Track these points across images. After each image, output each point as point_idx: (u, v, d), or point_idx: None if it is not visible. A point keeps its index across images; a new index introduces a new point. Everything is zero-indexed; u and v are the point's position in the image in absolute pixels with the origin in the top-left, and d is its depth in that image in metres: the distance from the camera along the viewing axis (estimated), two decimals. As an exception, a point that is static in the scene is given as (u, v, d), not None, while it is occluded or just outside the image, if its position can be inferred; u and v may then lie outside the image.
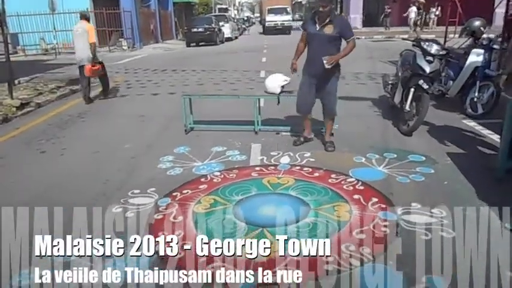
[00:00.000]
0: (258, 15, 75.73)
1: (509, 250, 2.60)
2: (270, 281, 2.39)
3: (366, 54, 13.19)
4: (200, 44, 21.57)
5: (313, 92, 4.52)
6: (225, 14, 30.61)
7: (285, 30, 28.42)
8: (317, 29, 4.27)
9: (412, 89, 4.99)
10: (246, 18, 47.21)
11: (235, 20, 33.74)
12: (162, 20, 26.26)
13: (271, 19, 29.21)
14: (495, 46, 5.60)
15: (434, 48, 5.01)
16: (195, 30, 21.36)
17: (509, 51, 3.90)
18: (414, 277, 2.38)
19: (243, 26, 36.58)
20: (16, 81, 9.01)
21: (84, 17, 7.87)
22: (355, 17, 27.72)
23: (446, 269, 2.43)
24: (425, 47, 5.03)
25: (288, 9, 30.44)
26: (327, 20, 4.22)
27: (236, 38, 27.39)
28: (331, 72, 4.33)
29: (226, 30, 24.34)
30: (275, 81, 5.14)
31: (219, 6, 43.65)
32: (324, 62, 4.15)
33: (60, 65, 13.86)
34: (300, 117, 4.92)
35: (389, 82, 6.19)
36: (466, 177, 3.75)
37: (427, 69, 4.93)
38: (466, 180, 3.68)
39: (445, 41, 9.74)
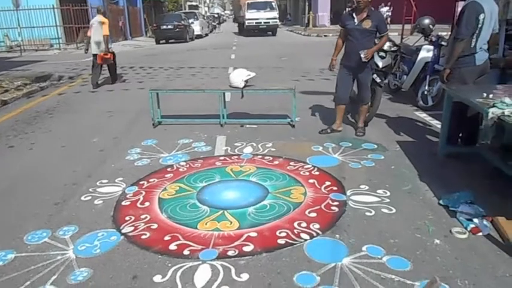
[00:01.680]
0: (229, 12, 73.86)
1: (440, 222, 2.97)
2: (230, 253, 2.64)
3: (329, 51, 13.61)
4: (170, 41, 21.55)
5: (351, 84, 4.94)
6: (195, 11, 30.32)
7: (270, 30, 24.48)
8: (355, 23, 4.58)
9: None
10: (216, 15, 44.46)
11: (205, 17, 33.45)
12: (131, 17, 26.01)
13: (253, 16, 24.06)
14: (443, 43, 6.02)
15: (386, 45, 5.37)
16: (164, 27, 21.31)
17: (449, 48, 4.28)
18: (356, 247, 2.69)
19: (213, 23, 34.16)
20: (-20, 79, 8.89)
21: (100, 11, 9.07)
22: (323, 15, 28.35)
23: (385, 240, 2.76)
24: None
25: (274, 3, 25.23)
26: (365, 15, 4.55)
27: (206, 35, 27.42)
28: (367, 65, 4.69)
29: (196, 27, 24.39)
30: (239, 76, 5.39)
31: (189, 3, 43.54)
32: (362, 55, 4.45)
33: (26, 62, 13.63)
34: (263, 108, 5.19)
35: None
36: (411, 161, 4.11)
37: (380, 64, 5.30)
38: (411, 165, 4.04)
39: (401, 39, 10.26)
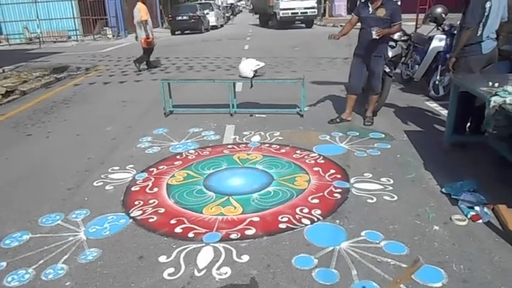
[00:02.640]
0: (245, 2, 71.27)
1: (441, 210, 3.00)
2: (232, 236, 2.74)
3: (345, 42, 13.49)
4: (185, 32, 21.66)
5: (363, 73, 4.96)
6: (210, 1, 30.20)
7: (306, 22, 21.53)
8: (370, 12, 4.63)
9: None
10: (229, 5, 41.40)
11: (221, 8, 33.28)
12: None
13: (288, 6, 20.60)
14: (456, 32, 5.95)
15: (396, 34, 5.36)
16: (179, 18, 21.42)
17: (456, 36, 4.25)
18: (355, 232, 2.75)
19: (227, 14, 32.22)
20: (0, 70, 9.17)
21: None
22: (340, 5, 27.98)
23: (384, 226, 2.81)
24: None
25: None
26: (379, 4, 4.59)
27: (222, 26, 27.41)
28: (380, 54, 4.74)
29: (211, 18, 24.40)
30: (248, 66, 5.45)
31: (204, -7, 43.39)
32: (373, 32, 4.44)
33: (44, 54, 13.95)
34: (276, 98, 5.24)
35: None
36: (417, 151, 4.13)
37: (390, 53, 5.28)
38: (417, 154, 4.06)
39: (415, 28, 10.11)
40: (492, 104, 2.75)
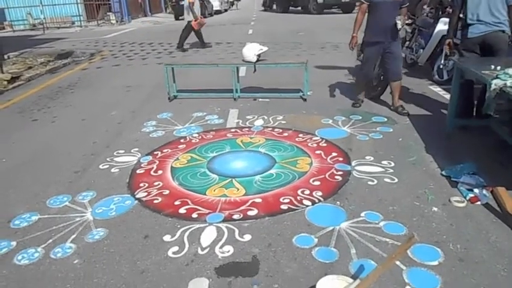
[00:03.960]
0: None
1: (440, 192, 3.05)
2: (235, 217, 2.81)
3: (350, 26, 13.42)
4: (189, 17, 21.51)
5: (377, 60, 4.91)
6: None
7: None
8: None
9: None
10: None
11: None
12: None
13: None
14: (461, 15, 5.91)
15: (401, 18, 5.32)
16: (183, 3, 21.22)
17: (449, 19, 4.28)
18: (355, 213, 2.81)
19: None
20: (5, 56, 9.22)
21: None
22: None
23: (384, 207, 2.87)
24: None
25: None
26: None
27: (225, 10, 27.20)
28: (396, 38, 4.66)
29: (215, 2, 24.25)
30: (251, 50, 5.46)
31: (208, -22, 42.77)
32: (398, 22, 4.40)
33: (49, 40, 13.97)
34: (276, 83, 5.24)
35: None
36: (419, 134, 4.15)
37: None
38: (419, 137, 4.08)
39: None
40: (493, 87, 2.76)
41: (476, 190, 2.96)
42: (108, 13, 19.82)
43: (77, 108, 5.77)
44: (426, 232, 2.56)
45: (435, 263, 2.28)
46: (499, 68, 3.23)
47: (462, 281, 2.14)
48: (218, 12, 24.48)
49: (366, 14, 4.73)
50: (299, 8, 21.68)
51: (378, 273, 1.79)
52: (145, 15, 24.14)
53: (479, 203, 2.85)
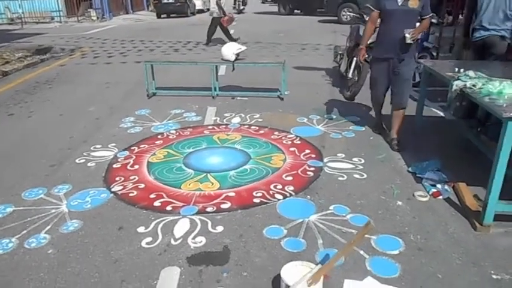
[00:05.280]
0: None
1: (406, 187, 3.20)
2: (208, 209, 2.89)
3: (330, 29, 13.67)
4: (171, 15, 21.46)
5: (388, 80, 3.97)
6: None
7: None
8: (399, 3, 3.67)
9: (355, 58, 5.49)
10: None
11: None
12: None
13: None
14: (433, 20, 6.12)
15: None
16: (165, 1, 21.13)
17: None
18: (324, 206, 2.93)
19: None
20: (-18, 50, 9.07)
21: None
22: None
23: (352, 201, 3.00)
24: (367, 20, 5.51)
25: None
26: None
27: (208, 9, 27.10)
28: (411, 56, 3.84)
29: (198, 1, 24.14)
30: (230, 49, 5.56)
31: (192, -23, 42.62)
32: (407, 35, 3.62)
33: (27, 35, 13.74)
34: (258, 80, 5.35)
35: (339, 53, 6.69)
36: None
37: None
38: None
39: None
40: (454, 87, 2.92)
41: (439, 185, 3.13)
42: (89, 9, 19.59)
43: (54, 104, 5.75)
44: (390, 224, 2.70)
45: (396, 252, 2.42)
46: (462, 70, 3.41)
47: (420, 269, 2.29)
48: (201, 11, 24.41)
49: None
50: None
51: (337, 258, 1.90)
52: (127, 13, 23.93)
53: (441, 197, 3.02)
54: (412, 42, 3.70)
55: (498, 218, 2.64)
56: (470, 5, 4.42)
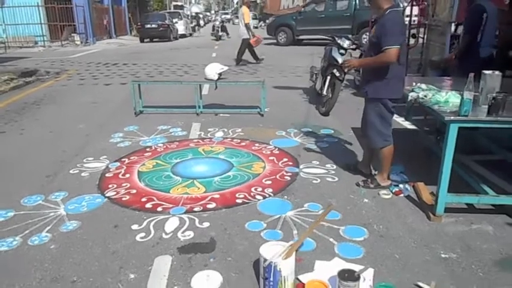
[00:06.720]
0: (215, 12, 66.26)
1: (372, 187, 3.58)
2: (195, 209, 3.21)
3: (308, 51, 14.32)
4: (154, 40, 21.97)
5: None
6: (179, 11, 30.56)
7: None
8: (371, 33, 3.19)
9: (328, 77, 5.98)
10: (193, 15, 35.37)
11: (190, 17, 33.42)
12: (116, 16, 26.34)
13: None
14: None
15: (346, 43, 6.01)
16: (148, 26, 21.72)
17: None
18: (299, 204, 3.28)
19: (191, 25, 28.90)
20: (-32, 73, 9.25)
21: (244, 3, 11.30)
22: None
23: (324, 199, 3.36)
24: (339, 42, 6.03)
25: None
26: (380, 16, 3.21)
27: (190, 34, 27.78)
28: (373, 96, 3.41)
29: (180, 27, 24.81)
30: (213, 69, 5.96)
31: (174, 3, 43.68)
32: (339, 61, 3.31)
33: (11, 59, 13.93)
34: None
35: (315, 72, 7.19)
36: (360, 143, 4.73)
37: (340, 60, 5.89)
38: (359, 146, 4.66)
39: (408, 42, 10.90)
40: (409, 98, 3.36)
41: (401, 185, 3.52)
42: (72, 34, 19.91)
43: (44, 122, 6.01)
44: (356, 217, 3.07)
45: (361, 239, 2.78)
46: (416, 84, 3.87)
47: (381, 251, 2.64)
48: (183, 36, 25.05)
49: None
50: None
51: (305, 235, 2.24)
52: (110, 37, 24.34)
53: (402, 195, 3.41)
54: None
55: (451, 210, 3.05)
56: (469, 29, 4.58)
